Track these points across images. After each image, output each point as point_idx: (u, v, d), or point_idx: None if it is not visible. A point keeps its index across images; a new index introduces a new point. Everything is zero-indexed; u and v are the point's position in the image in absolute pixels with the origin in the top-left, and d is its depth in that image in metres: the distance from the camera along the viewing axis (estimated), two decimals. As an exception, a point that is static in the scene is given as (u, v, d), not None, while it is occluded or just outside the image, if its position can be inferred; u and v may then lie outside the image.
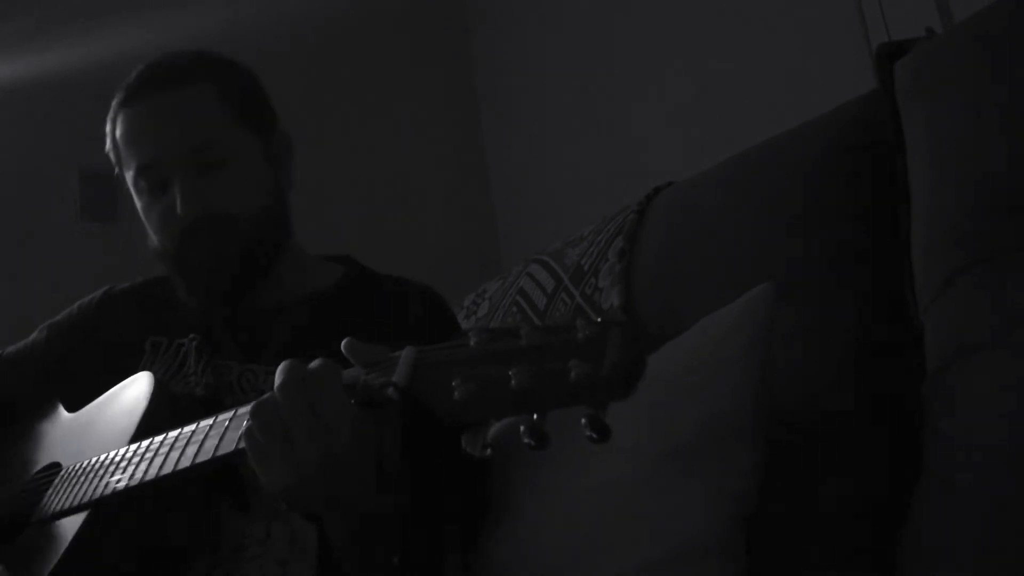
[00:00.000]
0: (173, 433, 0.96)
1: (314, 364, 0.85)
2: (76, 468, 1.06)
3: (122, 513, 0.99)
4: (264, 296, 1.22)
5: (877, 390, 1.11)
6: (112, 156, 1.24)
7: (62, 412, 1.23)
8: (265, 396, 0.85)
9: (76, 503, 1.01)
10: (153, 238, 1.20)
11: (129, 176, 1.20)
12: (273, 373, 1.13)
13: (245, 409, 0.89)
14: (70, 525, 1.00)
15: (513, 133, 2.74)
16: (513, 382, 0.67)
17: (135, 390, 1.10)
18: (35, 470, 1.17)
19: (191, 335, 1.21)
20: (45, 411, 1.25)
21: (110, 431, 1.08)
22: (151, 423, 1.03)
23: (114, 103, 1.21)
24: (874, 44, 1.60)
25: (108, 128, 1.23)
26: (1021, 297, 0.96)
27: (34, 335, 1.34)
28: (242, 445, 0.86)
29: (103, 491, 0.98)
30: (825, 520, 1.05)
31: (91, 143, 2.17)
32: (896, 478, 1.03)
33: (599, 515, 0.99)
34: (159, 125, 1.17)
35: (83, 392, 1.20)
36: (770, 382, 1.01)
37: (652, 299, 1.41)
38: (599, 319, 0.69)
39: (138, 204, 1.21)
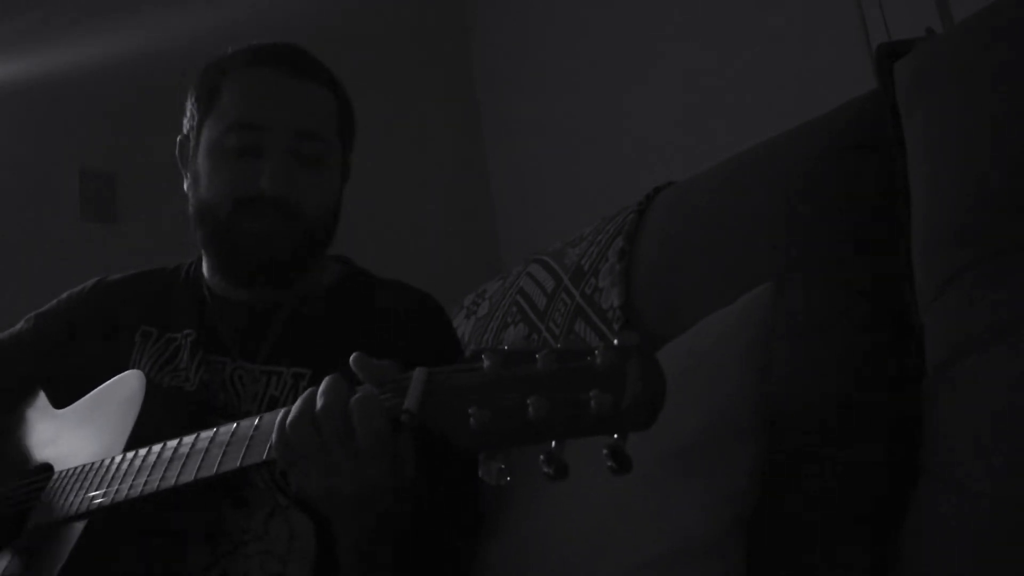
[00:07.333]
0: (189, 439, 0.95)
1: (357, 396, 0.83)
2: (72, 473, 1.05)
3: (122, 518, 0.99)
4: (262, 292, 1.22)
5: (877, 389, 1.11)
6: (193, 109, 1.23)
7: (49, 408, 1.21)
8: (301, 412, 0.84)
9: (76, 510, 1.00)
10: (202, 195, 1.19)
11: (215, 129, 1.19)
12: (267, 373, 1.15)
13: (248, 423, 0.90)
14: (71, 531, 1.00)
15: (513, 133, 2.74)
16: (530, 411, 0.65)
17: (126, 390, 1.09)
18: (25, 470, 1.16)
19: (186, 331, 1.21)
20: (31, 405, 1.24)
21: (104, 433, 1.07)
22: (146, 424, 1.03)
23: (228, 60, 1.22)
24: (874, 44, 1.60)
25: (207, 79, 1.22)
26: (1021, 296, 0.96)
27: (20, 324, 1.32)
28: (272, 456, 0.86)
29: (101, 500, 0.97)
30: (825, 520, 1.05)
31: (91, 143, 2.20)
32: (896, 477, 1.03)
33: (599, 514, 0.99)
34: (284, 96, 1.19)
35: (70, 383, 1.19)
36: (770, 382, 1.01)
37: (652, 299, 1.41)
38: (616, 342, 0.66)
39: (207, 160, 1.19)
